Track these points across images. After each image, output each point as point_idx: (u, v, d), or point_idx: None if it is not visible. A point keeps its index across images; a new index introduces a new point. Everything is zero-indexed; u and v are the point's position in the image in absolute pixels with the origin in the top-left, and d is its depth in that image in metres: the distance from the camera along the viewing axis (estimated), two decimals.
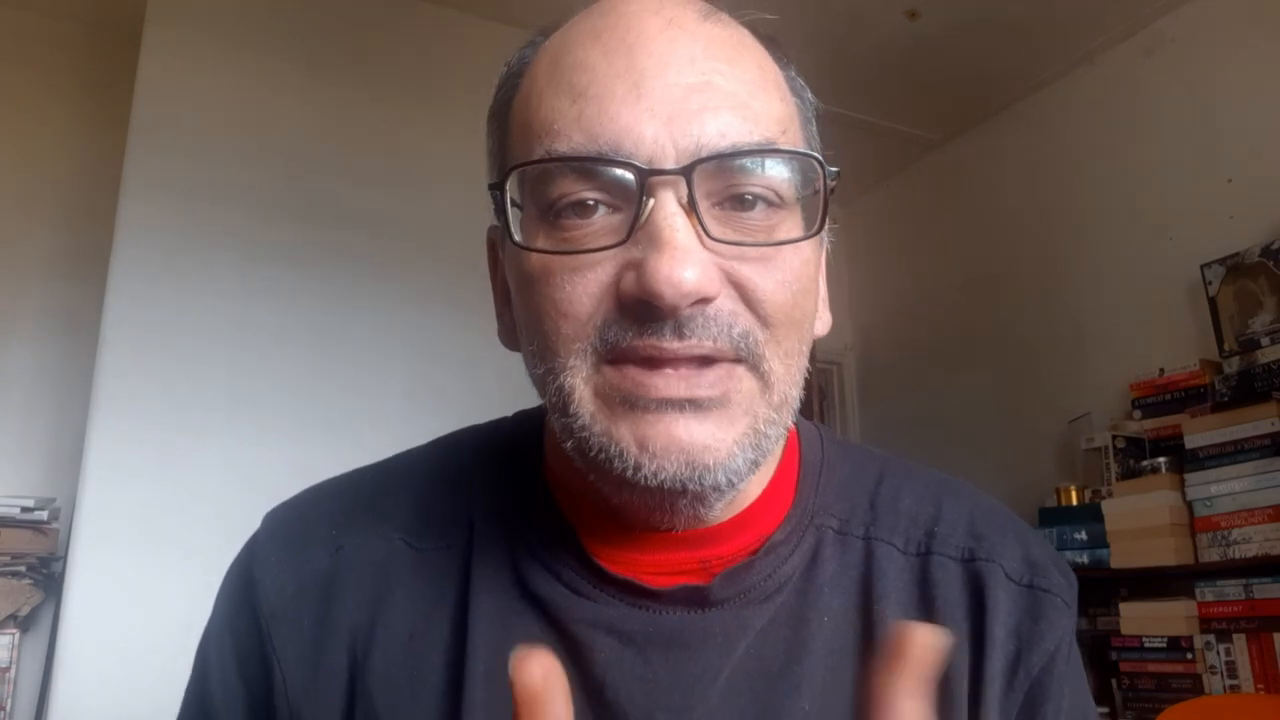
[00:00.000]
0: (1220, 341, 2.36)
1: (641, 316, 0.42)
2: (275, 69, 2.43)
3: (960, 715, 0.48)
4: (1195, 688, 2.14)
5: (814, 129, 0.50)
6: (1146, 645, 2.27)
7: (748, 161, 0.43)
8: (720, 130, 0.42)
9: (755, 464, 0.45)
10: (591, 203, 0.42)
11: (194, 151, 2.28)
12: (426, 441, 0.59)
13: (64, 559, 2.09)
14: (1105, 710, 2.36)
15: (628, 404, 0.42)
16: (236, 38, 2.41)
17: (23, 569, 2.19)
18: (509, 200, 0.44)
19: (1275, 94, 2.42)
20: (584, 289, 0.42)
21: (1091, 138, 2.91)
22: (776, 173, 0.43)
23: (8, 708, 2.14)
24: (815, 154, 0.45)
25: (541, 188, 0.43)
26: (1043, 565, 0.52)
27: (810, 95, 0.51)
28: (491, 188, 0.46)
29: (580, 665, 0.46)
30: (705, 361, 0.42)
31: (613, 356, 0.43)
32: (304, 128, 2.42)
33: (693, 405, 0.42)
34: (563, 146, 0.43)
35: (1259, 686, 2.05)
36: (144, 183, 2.22)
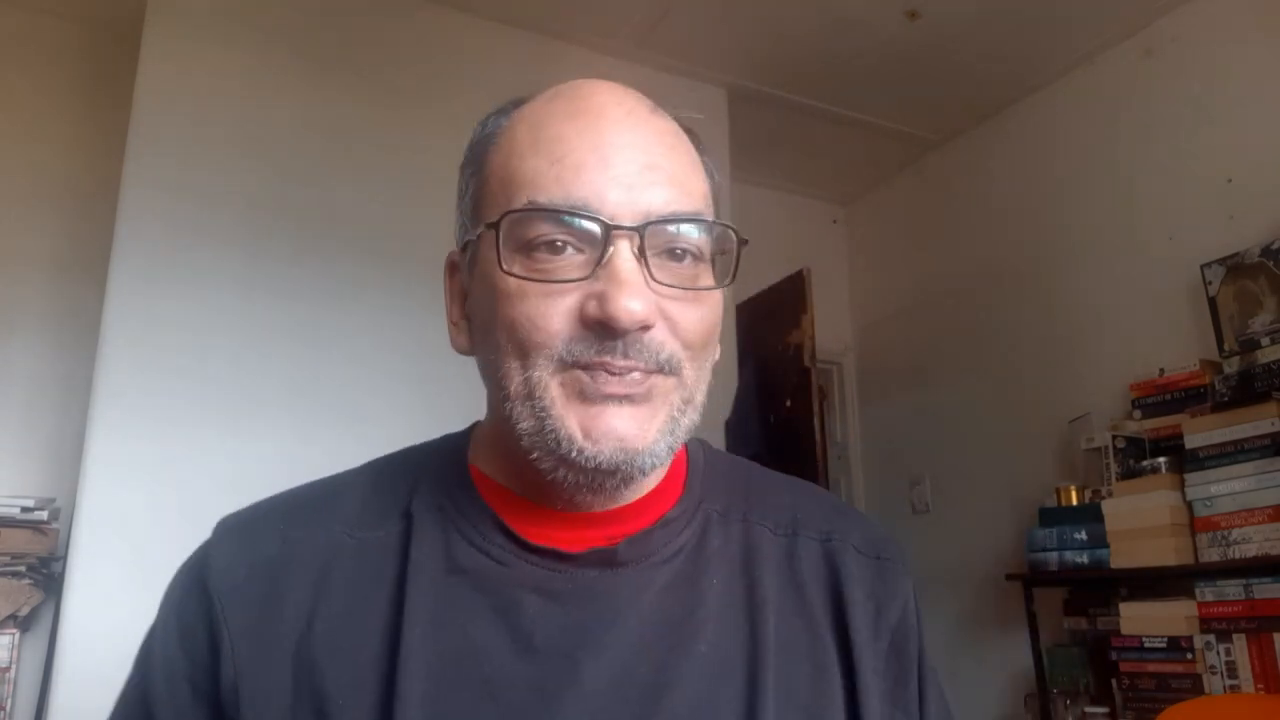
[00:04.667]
0: (1220, 341, 2.36)
1: (600, 336, 0.53)
2: (275, 69, 2.43)
3: (828, 657, 0.59)
4: (1195, 688, 2.14)
5: (719, 204, 0.64)
6: (1146, 645, 2.27)
7: (682, 226, 0.56)
8: (665, 200, 0.56)
9: (671, 449, 0.57)
10: (560, 243, 0.54)
11: (194, 151, 2.28)
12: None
13: (64, 559, 2.09)
14: (1105, 710, 2.37)
15: (580, 396, 0.54)
16: (236, 38, 2.41)
17: (23, 569, 2.19)
18: (499, 236, 0.55)
19: (1275, 94, 2.42)
20: (555, 310, 0.54)
21: (1091, 138, 2.91)
22: (701, 236, 0.57)
23: (8, 708, 2.14)
24: (731, 225, 0.59)
25: (520, 228, 0.55)
26: (883, 542, 0.66)
27: (718, 176, 0.64)
28: (489, 226, 0.56)
29: (511, 621, 0.56)
30: (640, 373, 0.55)
31: (574, 366, 0.54)
32: (304, 128, 2.42)
33: (627, 400, 0.54)
34: (543, 198, 0.54)
35: (1259, 686, 2.05)
36: (144, 182, 2.22)
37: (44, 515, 2.22)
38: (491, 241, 0.55)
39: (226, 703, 0.55)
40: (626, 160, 0.55)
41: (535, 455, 0.55)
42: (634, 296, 0.53)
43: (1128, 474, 2.42)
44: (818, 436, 2.88)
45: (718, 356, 0.62)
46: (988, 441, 3.12)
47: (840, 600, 0.62)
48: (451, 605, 0.56)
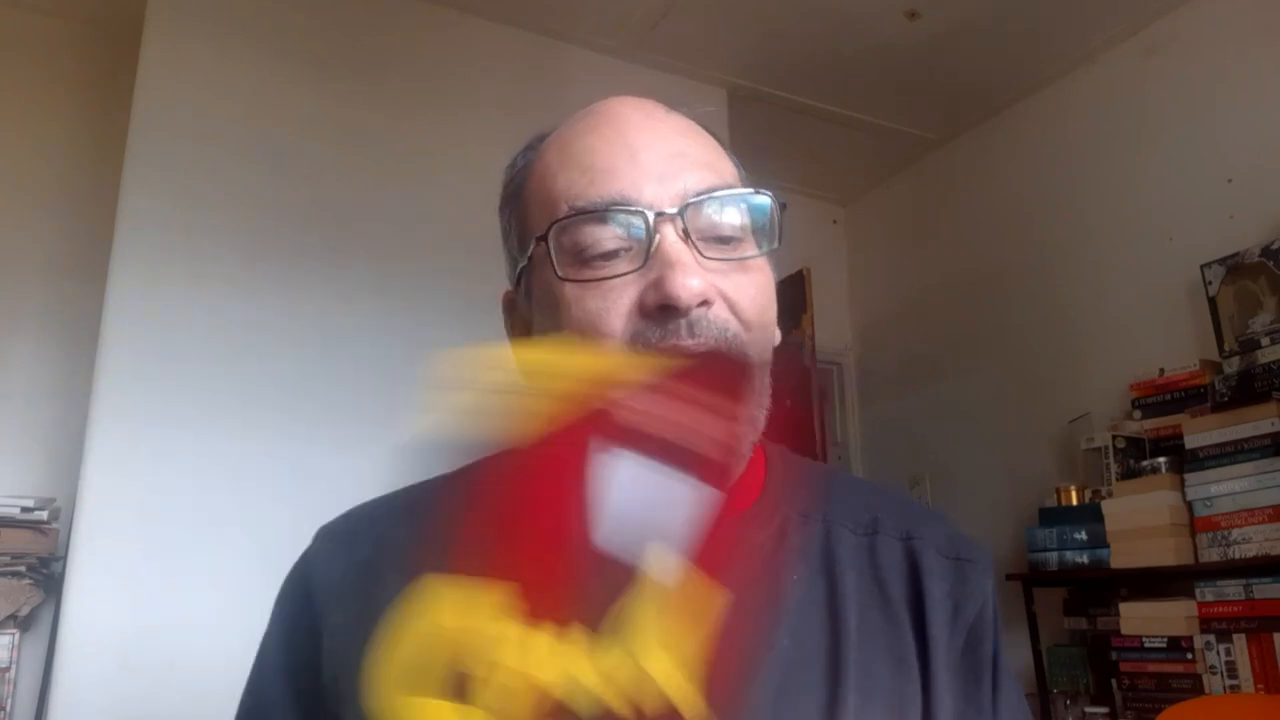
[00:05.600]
0: (1220, 341, 2.36)
1: (663, 320, 0.54)
2: (275, 68, 2.43)
3: (909, 653, 0.59)
4: (1195, 688, 2.14)
5: (748, 184, 0.65)
6: (1146, 645, 2.27)
7: (719, 201, 0.58)
8: (698, 180, 0.58)
9: (753, 441, 0.59)
10: (610, 244, 0.55)
11: (194, 151, 2.28)
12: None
13: (64, 559, 2.08)
14: (1105, 710, 2.37)
15: None
16: (236, 37, 2.41)
17: (23, 569, 2.19)
18: (550, 247, 0.56)
19: (1275, 94, 2.42)
20: (615, 309, 0.55)
21: (1092, 138, 2.91)
22: (739, 209, 0.59)
23: (8, 708, 2.14)
24: (767, 191, 0.60)
25: (568, 237, 0.56)
26: (965, 543, 0.66)
27: (743, 170, 0.65)
28: (538, 239, 0.57)
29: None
30: None
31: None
32: (304, 127, 2.42)
33: None
34: (582, 203, 0.56)
35: (1259, 686, 2.05)
36: (144, 182, 2.22)
37: (44, 515, 2.22)
38: (544, 255, 0.56)
39: (328, 698, 0.57)
40: (654, 154, 0.57)
41: None
42: (689, 274, 0.54)
43: (1128, 474, 2.42)
44: (818, 436, 2.88)
45: (778, 340, 0.63)
46: (988, 441, 3.12)
47: (920, 596, 0.62)
48: None
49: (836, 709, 0.55)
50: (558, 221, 0.56)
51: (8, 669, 2.15)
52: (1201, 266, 2.43)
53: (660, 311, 0.54)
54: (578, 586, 0.56)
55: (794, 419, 3.00)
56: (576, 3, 2.73)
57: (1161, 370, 2.49)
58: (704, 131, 0.64)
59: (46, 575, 2.23)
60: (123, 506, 2.02)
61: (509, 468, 0.64)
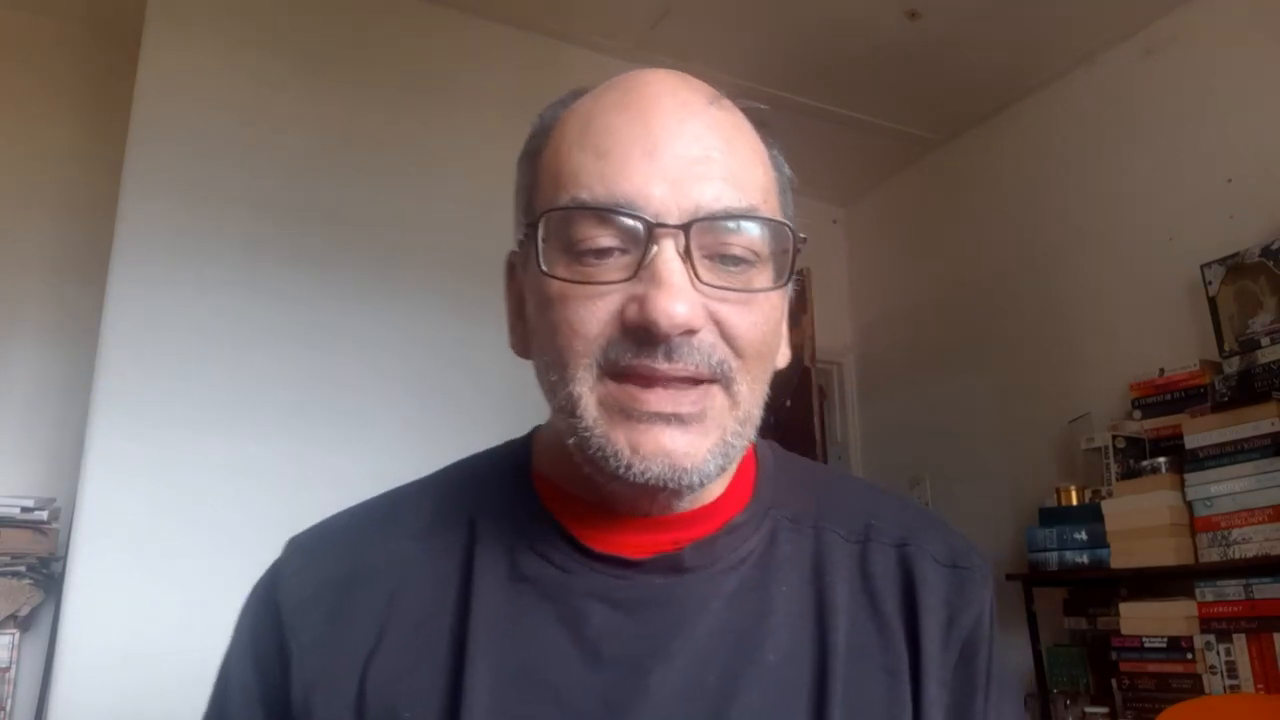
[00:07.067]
0: (1220, 341, 2.36)
1: (640, 340, 0.51)
2: (275, 68, 2.43)
3: (900, 665, 0.57)
4: (1195, 688, 2.14)
5: (789, 198, 0.62)
6: (1146, 645, 2.27)
7: (733, 222, 0.53)
8: (715, 195, 0.52)
9: (723, 468, 0.55)
10: (605, 244, 0.52)
11: (194, 151, 2.28)
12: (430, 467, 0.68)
13: (64, 559, 2.08)
14: (1105, 710, 2.37)
15: (624, 414, 0.52)
16: (236, 38, 2.41)
17: (23, 569, 2.19)
18: (540, 235, 0.53)
19: (1275, 94, 2.42)
20: (595, 314, 0.52)
21: (1091, 138, 2.91)
22: (756, 233, 0.54)
23: (8, 708, 2.14)
24: (788, 221, 0.56)
25: (565, 228, 0.53)
26: (963, 550, 0.63)
27: (788, 170, 0.62)
28: (529, 225, 0.55)
29: (577, 631, 0.55)
30: (688, 382, 0.52)
31: (614, 372, 0.52)
32: (304, 127, 2.42)
33: (677, 419, 0.52)
34: (586, 195, 0.52)
35: (1259, 686, 2.05)
36: (144, 182, 2.22)
37: (44, 515, 2.22)
38: (534, 241, 0.53)
39: (298, 718, 0.55)
40: (676, 154, 0.53)
41: (588, 470, 0.55)
42: (676, 299, 0.50)
43: (1128, 474, 2.42)
44: (818, 436, 2.88)
45: (784, 363, 0.60)
46: (988, 441, 3.12)
47: (914, 607, 0.59)
48: (517, 614, 0.56)
49: None
50: (553, 211, 0.53)
51: (8, 669, 2.14)
52: (1201, 266, 2.43)
53: (639, 330, 0.51)
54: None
55: (794, 419, 3.00)
56: (576, 3, 2.73)
57: (1161, 370, 2.49)
58: (748, 131, 0.59)
59: (46, 575, 2.23)
60: (123, 506, 2.02)
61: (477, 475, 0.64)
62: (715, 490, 0.60)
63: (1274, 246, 2.29)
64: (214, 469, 2.10)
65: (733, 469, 0.61)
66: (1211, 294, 2.40)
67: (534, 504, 0.60)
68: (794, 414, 3.00)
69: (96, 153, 2.54)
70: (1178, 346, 2.50)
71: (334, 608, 0.57)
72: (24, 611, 2.18)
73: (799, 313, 3.04)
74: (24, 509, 2.21)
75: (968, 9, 2.72)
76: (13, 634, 2.16)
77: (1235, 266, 2.36)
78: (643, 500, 0.56)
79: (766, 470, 0.64)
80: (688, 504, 0.58)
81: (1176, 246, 2.58)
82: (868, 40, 2.87)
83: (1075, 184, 2.94)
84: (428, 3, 2.68)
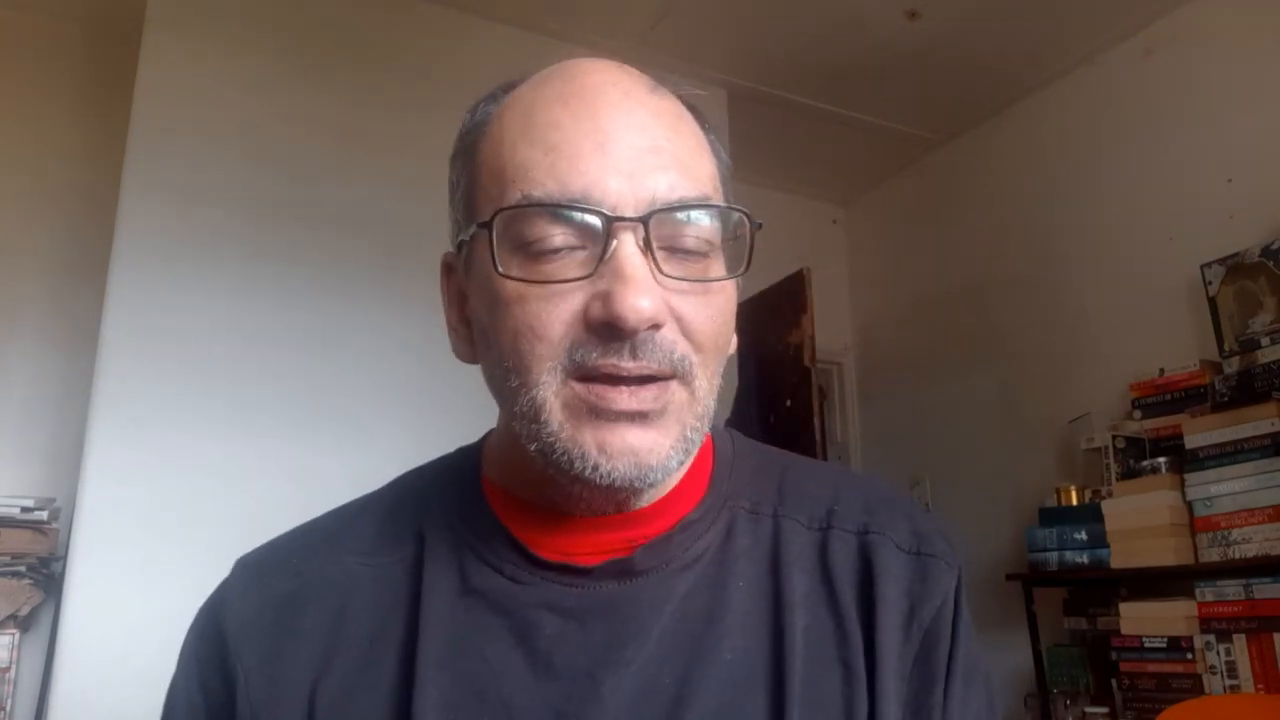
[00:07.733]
0: (1220, 341, 2.36)
1: (606, 338, 0.50)
2: (275, 69, 2.43)
3: (857, 659, 0.55)
4: (1195, 688, 2.14)
5: (729, 186, 0.60)
6: (1146, 645, 2.27)
7: (690, 213, 0.52)
8: (670, 185, 0.52)
9: (682, 462, 0.54)
10: (560, 241, 0.50)
11: (194, 152, 2.28)
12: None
13: (64, 559, 2.09)
14: (1105, 710, 2.37)
15: (593, 414, 0.51)
16: (236, 39, 2.41)
17: (23, 569, 2.19)
18: (493, 236, 0.51)
19: (1275, 94, 2.42)
20: (556, 315, 0.50)
21: (1091, 138, 2.91)
22: (710, 224, 0.53)
23: (8, 708, 2.14)
24: (744, 209, 0.55)
25: (517, 226, 0.51)
26: (928, 536, 0.61)
27: (725, 156, 0.60)
28: (480, 225, 0.53)
29: (529, 642, 0.54)
30: (649, 379, 0.51)
31: (579, 374, 0.51)
32: (304, 128, 2.42)
33: (640, 417, 0.51)
34: (538, 192, 0.51)
35: (1259, 686, 2.05)
36: (144, 183, 2.22)
37: (44, 515, 2.22)
38: (486, 242, 0.51)
39: None
40: (626, 145, 0.51)
41: (550, 473, 0.53)
42: (641, 293, 0.49)
43: (1128, 474, 2.42)
44: (818, 436, 2.87)
45: (733, 349, 0.59)
46: (988, 441, 3.12)
47: (871, 598, 0.57)
48: (468, 628, 0.55)
49: None
50: (505, 210, 0.51)
51: (8, 669, 2.14)
52: (1201, 266, 2.43)
53: (604, 328, 0.49)
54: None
55: (794, 419, 3.00)
56: (576, 3, 2.73)
57: (1161, 370, 2.49)
58: (689, 119, 0.57)
59: (46, 575, 2.23)
60: (122, 506, 2.02)
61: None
62: (670, 484, 0.59)
63: (1274, 246, 2.29)
64: (213, 469, 2.10)
65: (689, 462, 0.59)
66: (1211, 294, 2.40)
67: (484, 513, 0.59)
68: (794, 414, 2.99)
69: (97, 152, 2.54)
70: (1178, 346, 2.50)
71: (280, 628, 0.56)
72: (24, 611, 2.18)
73: (799, 312, 3.04)
74: (24, 509, 2.21)
75: (968, 9, 2.72)
76: (13, 634, 2.16)
77: (1235, 266, 2.36)
78: (600, 500, 0.55)
79: (724, 460, 0.63)
80: (645, 500, 0.57)
81: (1176, 246, 2.58)
82: (868, 40, 2.87)
83: (1075, 184, 2.94)
84: (428, 2, 2.68)
